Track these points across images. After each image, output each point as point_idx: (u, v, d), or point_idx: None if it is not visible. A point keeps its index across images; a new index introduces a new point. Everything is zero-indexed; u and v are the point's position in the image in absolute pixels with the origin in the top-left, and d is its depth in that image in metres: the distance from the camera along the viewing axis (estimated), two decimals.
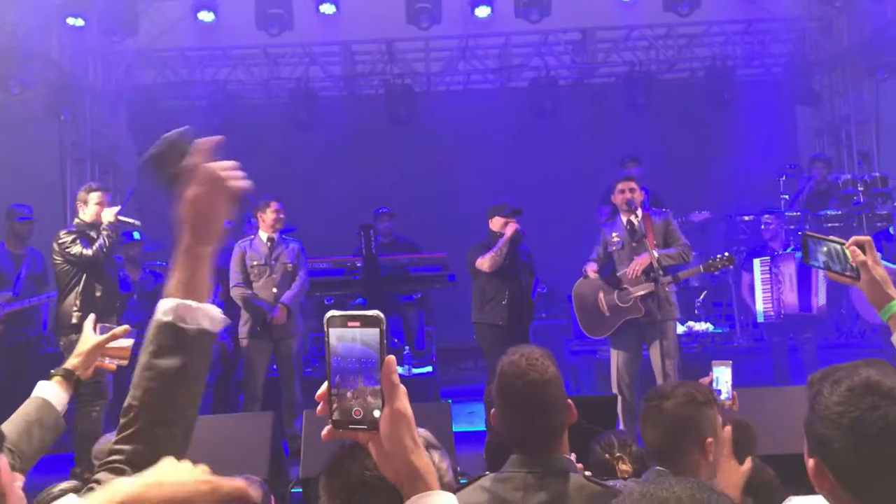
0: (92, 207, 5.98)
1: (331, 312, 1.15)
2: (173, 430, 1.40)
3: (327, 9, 9.33)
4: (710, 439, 2.36)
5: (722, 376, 3.26)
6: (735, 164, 10.09)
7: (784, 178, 8.86)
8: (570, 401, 2.24)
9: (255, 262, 6.58)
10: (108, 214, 5.92)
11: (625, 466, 3.15)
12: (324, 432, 1.17)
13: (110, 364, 2.62)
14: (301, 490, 4.55)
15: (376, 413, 1.13)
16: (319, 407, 1.17)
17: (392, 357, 1.13)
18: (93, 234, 5.95)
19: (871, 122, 10.35)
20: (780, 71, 10.85)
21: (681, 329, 8.19)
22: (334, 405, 1.14)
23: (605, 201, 8.20)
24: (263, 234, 6.68)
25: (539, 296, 9.69)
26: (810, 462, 1.43)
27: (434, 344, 8.87)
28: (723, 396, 3.21)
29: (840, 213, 8.58)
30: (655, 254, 5.98)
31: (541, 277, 9.54)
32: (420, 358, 8.29)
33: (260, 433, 4.74)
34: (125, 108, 10.70)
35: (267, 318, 6.49)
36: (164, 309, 1.42)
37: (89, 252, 5.84)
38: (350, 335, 1.13)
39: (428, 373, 8.02)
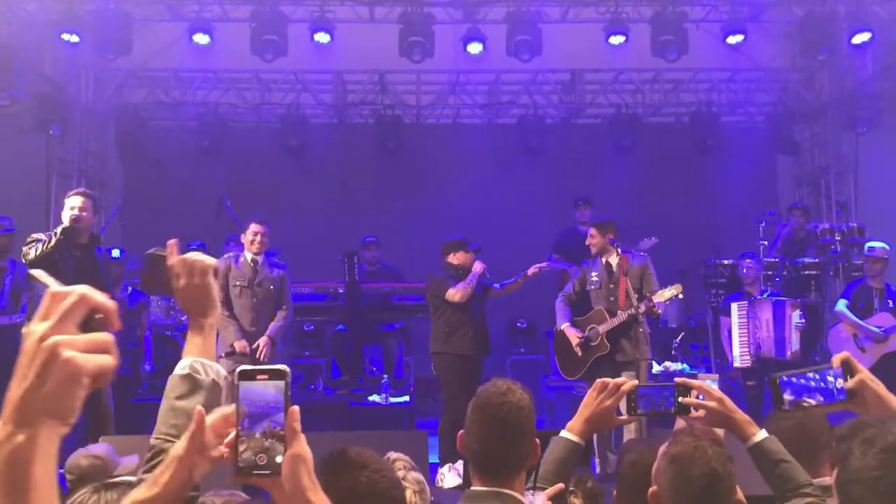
0: (66, 211, 5.67)
1: (241, 367, 1.26)
2: None
3: (322, 38, 9.45)
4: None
5: None
6: (715, 208, 10.26)
7: (763, 224, 8.99)
8: (536, 440, 2.23)
9: (237, 283, 6.57)
10: (65, 218, 5.62)
11: (577, 501, 3.17)
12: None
13: None
14: None
15: (278, 459, 1.22)
16: (225, 454, 1.26)
17: (296, 407, 1.24)
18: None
19: (850, 174, 10.56)
20: (762, 119, 11.08)
21: (657, 368, 8.27)
22: (241, 448, 1.22)
23: (555, 249, 8.45)
24: (248, 255, 6.68)
25: (518, 330, 9.77)
26: None
27: (412, 374, 8.89)
28: None
29: (817, 261, 8.73)
30: (631, 293, 6.20)
31: (520, 313, 9.62)
32: (397, 388, 8.29)
33: None
34: (114, 126, 10.70)
35: (238, 346, 6.37)
36: (182, 365, 1.69)
37: (30, 256, 5.46)
38: (260, 385, 1.24)
39: (405, 402, 8.02)
